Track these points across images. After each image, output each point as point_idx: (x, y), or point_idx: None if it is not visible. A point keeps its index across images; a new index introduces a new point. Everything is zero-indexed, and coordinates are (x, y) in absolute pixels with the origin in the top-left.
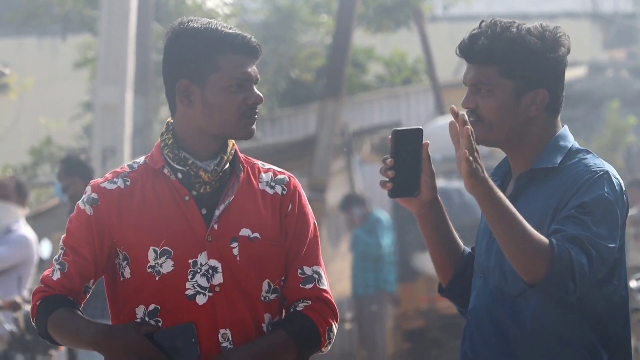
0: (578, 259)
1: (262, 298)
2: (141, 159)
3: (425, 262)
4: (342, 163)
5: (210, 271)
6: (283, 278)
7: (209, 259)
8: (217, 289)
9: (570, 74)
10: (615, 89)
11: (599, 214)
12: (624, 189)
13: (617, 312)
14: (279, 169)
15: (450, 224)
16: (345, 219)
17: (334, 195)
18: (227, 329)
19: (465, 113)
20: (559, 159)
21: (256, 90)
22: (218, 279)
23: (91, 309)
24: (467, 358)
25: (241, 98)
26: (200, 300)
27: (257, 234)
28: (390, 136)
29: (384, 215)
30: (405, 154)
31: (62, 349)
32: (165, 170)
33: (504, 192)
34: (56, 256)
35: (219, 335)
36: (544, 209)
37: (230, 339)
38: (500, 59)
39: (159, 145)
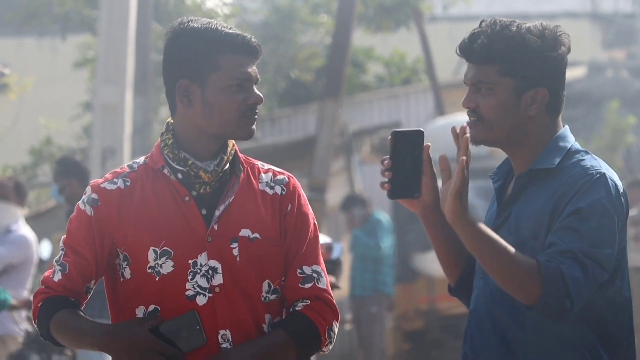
0: (571, 274)
1: (262, 298)
2: (141, 159)
3: (425, 262)
4: (341, 163)
5: (210, 272)
6: (283, 278)
7: (208, 260)
8: (217, 289)
9: (570, 74)
10: (614, 89)
11: (594, 220)
12: (621, 190)
13: (621, 313)
14: (279, 170)
15: None
16: (346, 219)
17: (334, 195)
18: (227, 330)
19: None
20: (557, 160)
21: (256, 90)
22: (218, 279)
23: (89, 308)
24: (467, 358)
25: (241, 98)
26: (201, 300)
27: (257, 235)
28: (389, 137)
29: (384, 217)
30: (405, 156)
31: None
32: (165, 171)
33: (505, 191)
34: (57, 257)
35: (219, 336)
36: (543, 210)
37: (230, 339)
38: (500, 58)
39: (158, 145)
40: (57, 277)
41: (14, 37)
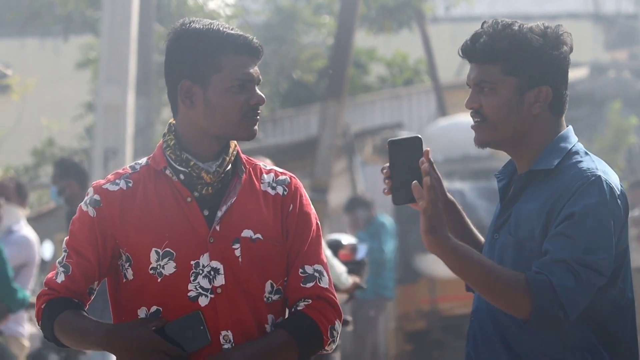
0: (561, 284)
1: (265, 299)
2: (143, 160)
3: (426, 263)
4: (344, 164)
5: (212, 272)
6: (286, 278)
7: (211, 261)
8: (219, 290)
9: (572, 74)
10: (617, 90)
11: (588, 225)
12: (618, 192)
13: (623, 314)
14: (281, 170)
15: (469, 223)
16: (349, 221)
17: (336, 196)
18: (229, 331)
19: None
20: (556, 161)
21: (258, 91)
22: (220, 280)
23: (91, 309)
24: (470, 358)
25: (243, 99)
26: (203, 301)
27: (259, 235)
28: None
29: (388, 220)
30: (404, 162)
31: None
32: (168, 172)
33: (509, 191)
34: (59, 259)
35: (221, 337)
36: (540, 211)
37: (232, 340)
38: (502, 57)
39: (161, 146)
40: (60, 278)
41: (16, 37)
